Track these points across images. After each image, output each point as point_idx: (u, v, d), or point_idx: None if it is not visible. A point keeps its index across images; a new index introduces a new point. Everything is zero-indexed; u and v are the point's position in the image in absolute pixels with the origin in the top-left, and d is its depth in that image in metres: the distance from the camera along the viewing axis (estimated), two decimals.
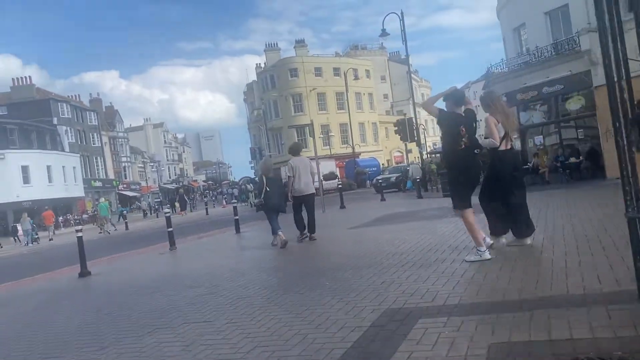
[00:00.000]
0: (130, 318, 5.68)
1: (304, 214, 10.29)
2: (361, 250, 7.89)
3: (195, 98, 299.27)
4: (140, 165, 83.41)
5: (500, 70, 25.04)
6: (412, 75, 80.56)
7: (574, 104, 20.96)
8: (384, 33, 26.71)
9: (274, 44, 65.71)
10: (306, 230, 10.17)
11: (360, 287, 5.39)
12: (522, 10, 23.73)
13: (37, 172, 47.45)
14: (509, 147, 6.10)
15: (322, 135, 53.26)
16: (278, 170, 29.52)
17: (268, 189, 9.96)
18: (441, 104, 6.31)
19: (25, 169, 46.74)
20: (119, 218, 37.69)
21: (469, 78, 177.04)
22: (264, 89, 59.01)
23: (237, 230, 14.77)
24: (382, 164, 53.17)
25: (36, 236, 29.15)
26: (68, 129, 57.10)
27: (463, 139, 5.66)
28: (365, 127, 58.91)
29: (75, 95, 67.42)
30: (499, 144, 5.94)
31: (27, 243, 27.85)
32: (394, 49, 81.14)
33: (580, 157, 20.80)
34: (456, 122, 5.76)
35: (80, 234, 10.45)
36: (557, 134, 22.32)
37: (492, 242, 6.12)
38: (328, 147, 51.44)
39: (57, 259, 15.48)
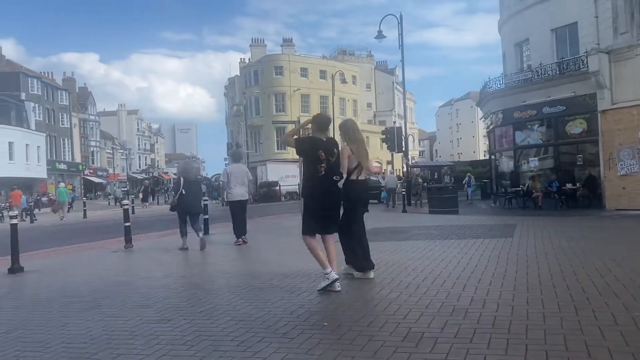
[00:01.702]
0: (45, 349, 3.98)
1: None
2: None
3: (175, 89, 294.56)
4: (109, 151, 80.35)
5: (497, 87, 23.92)
6: (397, 86, 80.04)
7: (575, 128, 19.89)
8: (380, 35, 25.32)
9: (260, 39, 64.14)
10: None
11: None
12: (527, 25, 22.65)
13: None
14: (361, 178, 6.06)
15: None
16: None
17: (184, 192, 10.11)
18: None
19: None
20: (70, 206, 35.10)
21: (450, 95, 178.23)
22: (246, 85, 57.12)
23: (206, 231, 13.03)
24: None
25: (1, 215, 27.57)
26: (36, 106, 54.20)
27: (322, 165, 5.47)
28: None
29: (48, 73, 64.39)
30: (345, 175, 5.85)
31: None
32: (380, 60, 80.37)
33: (577, 184, 19.70)
34: (315, 146, 5.58)
35: (15, 221, 8.63)
36: (553, 157, 21.20)
37: (352, 271, 6.21)
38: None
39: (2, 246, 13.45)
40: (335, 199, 5.71)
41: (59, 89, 61.49)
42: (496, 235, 10.08)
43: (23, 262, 8.56)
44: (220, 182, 10.66)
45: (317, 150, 5.53)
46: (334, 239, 5.86)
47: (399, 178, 31.42)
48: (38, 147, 51.61)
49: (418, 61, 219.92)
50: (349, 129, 6.13)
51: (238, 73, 66.99)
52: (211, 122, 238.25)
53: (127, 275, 7.61)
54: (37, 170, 50.78)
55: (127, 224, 11.16)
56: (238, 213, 10.69)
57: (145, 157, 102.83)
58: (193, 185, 10.53)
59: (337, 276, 5.48)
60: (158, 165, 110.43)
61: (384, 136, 25.99)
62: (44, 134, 53.76)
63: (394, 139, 24.85)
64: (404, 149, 25.24)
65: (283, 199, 38.49)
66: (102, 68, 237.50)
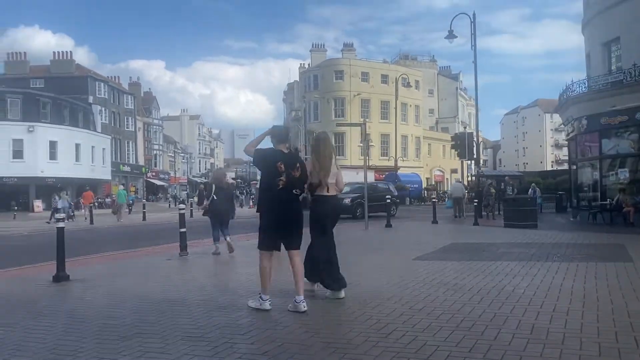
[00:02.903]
0: None
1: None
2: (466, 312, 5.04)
3: (235, 96, 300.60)
4: (171, 154, 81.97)
5: (580, 90, 21.84)
6: (461, 92, 77.45)
7: None
8: (450, 35, 23.75)
9: (320, 44, 63.43)
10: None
11: None
12: (618, 23, 20.48)
13: (64, 149, 45.83)
14: (328, 193, 5.84)
15: (360, 144, 50.41)
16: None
17: (215, 197, 10.36)
18: None
19: (53, 145, 45.19)
20: (129, 208, 35.35)
21: (514, 104, 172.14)
22: (305, 89, 56.41)
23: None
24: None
25: (72, 214, 28.51)
26: (103, 109, 55.73)
27: (281, 178, 5.22)
28: (408, 141, 55.72)
29: (115, 77, 66.32)
30: (314, 189, 5.75)
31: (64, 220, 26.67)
32: (442, 65, 78.07)
33: None
34: (273, 158, 5.33)
35: (61, 224, 7.87)
36: None
37: (313, 288, 6.01)
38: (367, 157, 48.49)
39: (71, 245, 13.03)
40: (294, 214, 5.40)
41: (124, 93, 63.12)
42: (609, 257, 8.50)
43: (72, 269, 7.87)
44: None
45: (275, 162, 5.27)
46: (299, 256, 5.51)
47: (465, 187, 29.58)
48: (103, 149, 52.94)
49: (481, 68, 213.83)
50: (318, 142, 5.98)
51: (297, 79, 66.61)
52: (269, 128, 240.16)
53: (178, 291, 6.64)
54: (102, 171, 52.02)
55: (183, 229, 10.33)
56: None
57: (205, 161, 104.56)
58: (224, 192, 10.74)
59: (269, 308, 5.23)
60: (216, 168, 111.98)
61: (453, 142, 24.30)
62: (110, 136, 55.14)
63: (464, 146, 23.23)
64: (475, 156, 23.56)
65: None
66: (168, 75, 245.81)
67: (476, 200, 21.10)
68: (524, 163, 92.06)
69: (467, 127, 68.60)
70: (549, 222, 21.27)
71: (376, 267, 7.94)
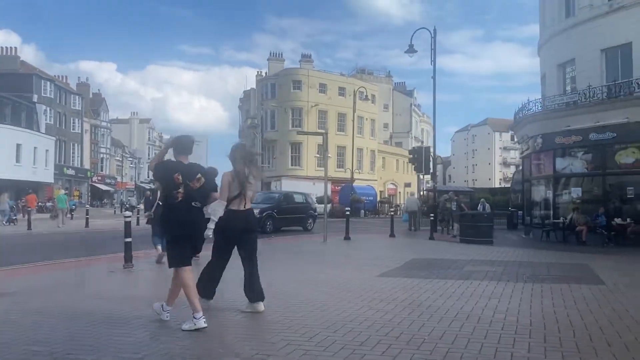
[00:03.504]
0: None
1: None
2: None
3: (189, 101, 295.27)
4: (119, 159, 79.20)
5: (536, 109, 22.23)
6: (415, 108, 78.62)
7: (627, 157, 18.04)
8: (410, 49, 23.78)
9: (279, 54, 62.92)
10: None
11: None
12: (573, 45, 21.00)
13: (4, 149, 43.26)
14: (242, 207, 5.66)
15: (318, 155, 50.12)
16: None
17: (160, 204, 9.49)
18: None
19: None
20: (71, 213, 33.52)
21: (464, 122, 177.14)
22: (263, 97, 55.70)
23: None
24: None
25: (14, 217, 27.82)
26: (48, 109, 53.15)
27: (179, 190, 5.06)
28: (363, 154, 55.81)
29: (63, 77, 63.57)
30: (226, 203, 5.53)
31: (2, 223, 26.21)
32: (397, 81, 79.12)
33: (628, 220, 17.78)
34: (171, 170, 5.17)
35: None
36: (600, 188, 19.32)
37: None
38: (323, 168, 48.14)
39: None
40: (195, 227, 5.22)
41: (72, 93, 60.54)
42: (579, 279, 8.28)
43: (4, 278, 6.92)
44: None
45: (172, 174, 5.10)
46: (192, 278, 5.28)
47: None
48: (47, 150, 50.42)
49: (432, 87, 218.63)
50: (237, 153, 5.76)
51: (254, 86, 65.80)
52: (223, 135, 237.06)
53: (120, 310, 5.87)
54: (44, 174, 49.48)
55: (128, 239, 9.49)
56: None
57: None
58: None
59: (205, 325, 4.95)
60: None
61: (410, 156, 24.24)
62: (54, 138, 52.63)
63: (421, 160, 23.21)
64: (431, 170, 23.56)
65: None
66: (119, 77, 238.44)
67: (432, 215, 21.01)
68: (473, 179, 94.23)
69: (422, 143, 69.82)
70: (503, 238, 21.37)
71: (341, 285, 7.40)
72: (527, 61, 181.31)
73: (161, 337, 4.58)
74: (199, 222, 5.27)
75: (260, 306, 5.67)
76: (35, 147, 47.79)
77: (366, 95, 46.22)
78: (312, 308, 5.76)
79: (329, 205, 37.24)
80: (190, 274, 5.18)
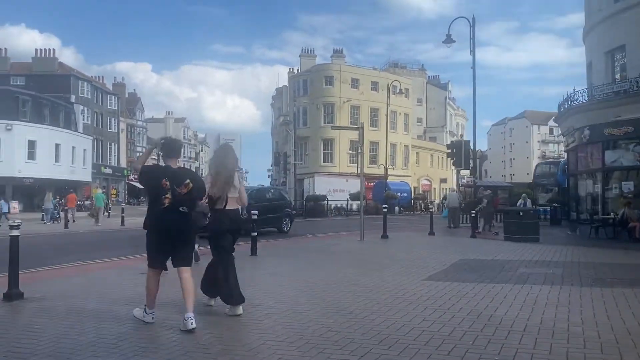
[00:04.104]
0: None
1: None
2: None
3: (222, 100, 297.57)
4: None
5: (582, 100, 21.09)
6: (450, 102, 77.03)
7: None
8: (448, 39, 22.88)
9: (310, 50, 62.48)
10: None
11: None
12: (622, 31, 19.76)
13: (44, 149, 44.12)
14: (225, 207, 5.64)
15: (350, 151, 49.49)
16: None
17: None
18: None
19: (32, 144, 43.47)
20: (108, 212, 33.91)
21: (500, 115, 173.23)
22: (295, 94, 55.36)
23: (253, 251, 10.91)
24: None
25: (57, 216, 28.62)
26: (85, 109, 54.03)
27: (166, 195, 4.95)
28: (397, 149, 54.87)
29: (99, 77, 64.62)
30: (214, 202, 5.58)
31: (46, 222, 27.28)
32: (431, 75, 77.60)
33: None
34: (159, 175, 5.06)
35: (15, 232, 6.64)
36: None
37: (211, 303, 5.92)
38: (355, 165, 47.45)
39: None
40: (181, 232, 5.12)
41: (108, 93, 61.46)
42: None
43: (30, 283, 6.78)
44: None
45: (160, 179, 5.00)
46: (188, 273, 5.18)
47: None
48: (84, 150, 51.23)
49: (469, 80, 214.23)
50: (220, 155, 5.87)
51: (286, 84, 65.55)
52: (256, 134, 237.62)
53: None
54: (82, 173, 50.29)
55: None
56: None
57: (190, 165, 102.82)
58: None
59: (151, 321, 5.11)
60: (202, 174, 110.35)
61: (449, 151, 23.38)
62: (91, 137, 53.45)
63: (460, 154, 22.32)
64: (471, 165, 22.67)
65: (330, 214, 36.23)
66: (154, 78, 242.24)
67: (473, 212, 20.16)
68: (511, 174, 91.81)
69: (461, 137, 68.29)
70: (549, 235, 20.35)
71: (386, 290, 6.83)
72: (564, 53, 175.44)
73: (188, 345, 4.12)
74: (185, 226, 5.15)
75: (239, 309, 5.54)
76: (73, 147, 48.60)
77: (400, 89, 45.22)
78: (358, 319, 5.22)
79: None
80: (153, 278, 5.16)
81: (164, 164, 5.23)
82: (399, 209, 41.09)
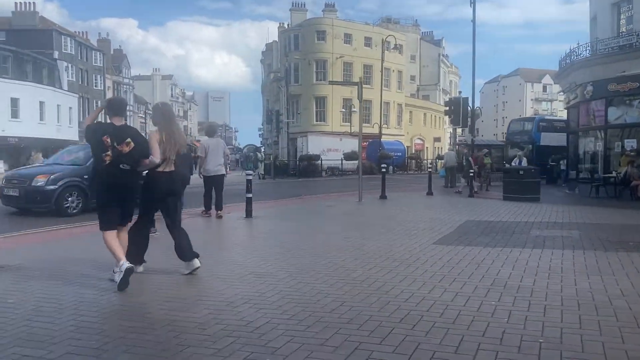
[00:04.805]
0: None
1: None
2: None
3: (210, 57, 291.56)
4: (142, 115, 78.61)
5: (584, 54, 20.37)
6: (444, 59, 75.62)
7: None
8: None
9: (301, 4, 60.44)
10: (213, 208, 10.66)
11: None
12: None
13: (27, 107, 42.73)
14: (167, 169, 5.48)
15: (343, 110, 48.58)
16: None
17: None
18: None
19: (15, 102, 42.03)
20: None
21: (495, 73, 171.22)
22: (285, 50, 53.79)
23: (248, 213, 10.35)
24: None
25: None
26: (69, 65, 52.29)
27: (107, 153, 4.96)
28: (390, 108, 53.91)
29: (83, 33, 62.35)
30: (158, 162, 5.33)
31: None
32: (424, 31, 75.81)
33: None
34: (101, 132, 5.06)
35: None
36: None
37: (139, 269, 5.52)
38: (349, 123, 46.62)
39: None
40: (123, 189, 5.17)
41: (93, 49, 59.49)
42: None
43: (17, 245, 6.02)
44: (198, 157, 10.79)
45: (101, 136, 5.02)
46: (125, 230, 5.37)
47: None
48: (70, 108, 49.86)
49: (461, 37, 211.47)
50: (160, 113, 5.69)
51: (276, 39, 63.75)
52: (246, 92, 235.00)
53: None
54: (68, 132, 49.02)
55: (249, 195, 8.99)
56: (210, 188, 10.67)
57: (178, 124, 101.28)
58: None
59: (129, 265, 4.98)
60: (190, 133, 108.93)
61: (446, 108, 22.69)
62: (77, 95, 51.95)
63: (458, 112, 21.64)
64: (469, 123, 22.04)
65: (324, 174, 35.68)
66: (140, 34, 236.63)
67: (472, 171, 19.68)
68: (503, 133, 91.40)
69: (449, 95, 67.30)
70: (548, 195, 20.03)
71: (394, 256, 6.31)
72: (558, 9, 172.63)
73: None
74: (129, 184, 5.19)
75: (196, 262, 5.50)
76: (58, 105, 47.21)
77: (395, 45, 43.95)
78: (371, 290, 4.69)
79: (356, 162, 36.31)
80: (113, 238, 5.10)
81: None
82: (393, 169, 40.59)
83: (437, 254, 6.43)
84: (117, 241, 5.13)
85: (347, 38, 51.02)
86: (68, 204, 11.17)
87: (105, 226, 5.14)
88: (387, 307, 4.10)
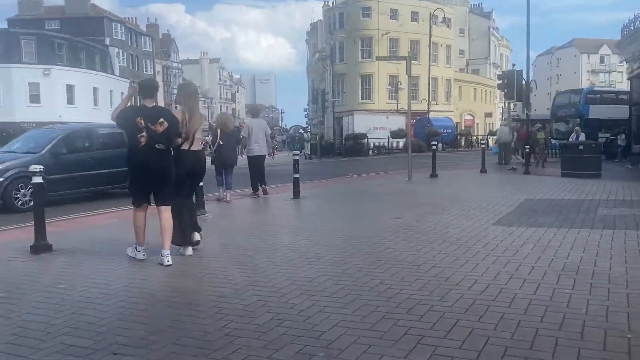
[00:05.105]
0: None
1: None
2: None
3: (256, 40, 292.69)
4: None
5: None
6: (494, 32, 72.87)
7: None
8: None
9: None
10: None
11: None
12: None
13: (82, 93, 44.19)
14: (193, 148, 5.53)
15: (389, 87, 47.67)
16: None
17: (221, 142, 9.96)
18: None
19: (70, 88, 43.56)
20: None
21: (548, 44, 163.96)
22: (330, 29, 53.03)
23: (296, 194, 10.18)
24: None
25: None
26: (120, 51, 53.57)
27: (142, 134, 5.02)
28: (438, 83, 52.47)
29: (132, 18, 63.63)
30: (181, 142, 5.40)
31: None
32: (473, 3, 73.10)
33: None
34: (133, 115, 5.12)
35: (38, 179, 6.01)
36: None
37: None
38: (395, 101, 45.72)
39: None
40: (160, 170, 5.24)
41: (142, 34, 60.64)
42: None
43: (71, 228, 6.61)
44: (242, 137, 10.80)
45: (135, 118, 5.08)
46: (167, 212, 5.30)
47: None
48: (122, 93, 50.99)
49: (512, 9, 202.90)
50: (184, 92, 5.67)
51: (321, 18, 63.00)
52: (292, 73, 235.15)
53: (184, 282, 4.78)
54: None
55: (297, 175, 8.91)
56: (256, 167, 10.75)
57: (227, 107, 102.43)
58: (229, 137, 10.24)
59: (142, 258, 5.31)
60: (239, 115, 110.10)
61: (499, 82, 21.70)
62: (128, 80, 53.12)
63: (512, 86, 20.65)
64: (524, 97, 21.00)
65: (370, 153, 35.18)
66: (187, 18, 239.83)
67: (527, 147, 18.83)
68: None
69: (500, 69, 64.84)
70: (608, 171, 18.96)
71: (453, 238, 5.95)
72: None
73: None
74: (165, 165, 5.25)
75: (196, 235, 5.63)
76: (111, 90, 48.51)
77: (443, 19, 42.53)
78: (428, 276, 4.39)
79: (403, 139, 35.58)
80: (139, 215, 5.27)
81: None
82: (442, 146, 39.65)
83: (498, 235, 6.03)
84: (142, 222, 5.32)
85: (393, 13, 49.80)
86: (19, 198, 9.92)
87: (135, 202, 5.36)
88: (448, 296, 3.79)
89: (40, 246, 5.84)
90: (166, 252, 5.11)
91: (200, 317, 3.53)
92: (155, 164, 5.14)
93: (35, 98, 41.35)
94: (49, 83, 41.81)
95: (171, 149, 5.35)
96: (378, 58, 37.84)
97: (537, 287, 3.94)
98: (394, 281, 4.25)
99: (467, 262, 4.81)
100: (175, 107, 5.68)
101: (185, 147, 5.45)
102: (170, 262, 5.04)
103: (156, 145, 5.09)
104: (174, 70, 71.35)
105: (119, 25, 54.78)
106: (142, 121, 5.02)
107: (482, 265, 4.69)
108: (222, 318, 3.50)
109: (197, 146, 5.59)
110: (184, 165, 5.48)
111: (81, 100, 43.85)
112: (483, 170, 16.67)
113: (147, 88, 5.40)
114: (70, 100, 43.48)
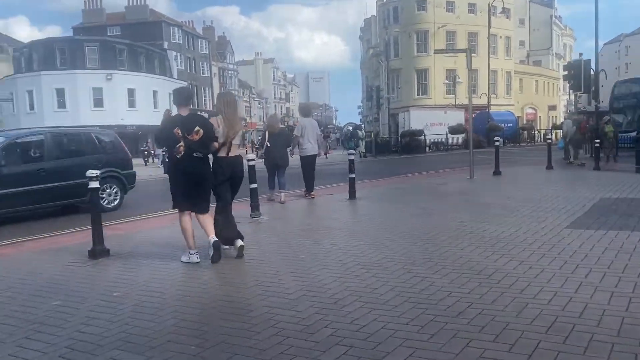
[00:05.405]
0: None
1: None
2: None
3: (310, 38, 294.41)
4: (246, 100, 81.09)
5: None
6: (556, 20, 69.75)
7: None
8: None
9: None
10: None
11: None
12: None
13: (143, 96, 45.74)
14: (230, 154, 5.60)
15: (447, 81, 46.46)
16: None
17: (269, 144, 10.01)
18: None
19: (131, 92, 45.19)
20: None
21: (616, 32, 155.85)
22: (384, 24, 52.27)
23: (352, 195, 9.90)
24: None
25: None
26: (178, 54, 54.99)
27: (180, 144, 5.13)
28: (498, 76, 50.65)
29: (189, 22, 65.14)
30: (218, 149, 5.50)
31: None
32: None
33: None
34: (170, 126, 5.24)
35: (95, 184, 6.03)
36: None
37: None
38: (453, 96, 44.50)
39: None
40: (198, 180, 5.35)
41: (199, 37, 62.00)
42: None
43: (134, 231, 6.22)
44: (294, 136, 10.71)
45: (172, 129, 5.18)
46: (204, 217, 5.44)
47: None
48: None
49: None
50: (223, 101, 5.73)
51: (375, 14, 62.29)
52: (345, 70, 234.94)
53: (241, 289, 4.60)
54: None
55: (254, 185, 8.35)
56: (308, 167, 10.65)
57: (281, 106, 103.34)
58: (278, 137, 10.29)
59: (197, 260, 5.32)
60: (293, 114, 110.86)
61: (565, 72, 20.63)
62: (186, 82, 54.52)
63: (579, 76, 19.55)
64: (593, 88, 19.85)
65: (428, 149, 34.36)
66: (242, 20, 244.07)
67: (597, 141, 17.73)
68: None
69: (563, 59, 61.99)
70: None
71: (523, 244, 5.50)
72: None
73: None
74: (204, 173, 5.35)
75: (239, 241, 5.58)
76: (169, 93, 49.63)
77: (502, 9, 41.00)
78: (500, 287, 4.00)
79: (462, 135, 34.53)
80: (184, 219, 5.34)
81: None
82: (503, 141, 38.27)
83: (574, 240, 5.52)
84: (189, 225, 5.36)
85: (450, 6, 48.49)
86: None
87: (178, 206, 5.45)
88: (526, 312, 3.41)
89: (98, 251, 5.87)
90: (192, 251, 5.32)
91: (255, 332, 3.33)
92: (193, 172, 5.27)
93: (98, 102, 43.13)
94: (111, 87, 43.49)
95: (209, 155, 5.44)
96: (436, 51, 36.81)
97: (628, 303, 3.49)
98: (462, 293, 3.89)
99: (542, 270, 4.37)
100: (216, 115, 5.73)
101: (223, 153, 5.54)
102: (198, 260, 5.27)
103: (194, 154, 5.20)
104: (229, 72, 72.56)
105: (176, 29, 56.23)
106: (179, 131, 5.13)
107: (560, 275, 4.24)
108: (277, 333, 3.28)
109: (234, 152, 5.65)
110: (223, 171, 5.58)
111: (142, 103, 45.38)
112: (549, 167, 15.81)
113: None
114: (132, 104, 45.09)
